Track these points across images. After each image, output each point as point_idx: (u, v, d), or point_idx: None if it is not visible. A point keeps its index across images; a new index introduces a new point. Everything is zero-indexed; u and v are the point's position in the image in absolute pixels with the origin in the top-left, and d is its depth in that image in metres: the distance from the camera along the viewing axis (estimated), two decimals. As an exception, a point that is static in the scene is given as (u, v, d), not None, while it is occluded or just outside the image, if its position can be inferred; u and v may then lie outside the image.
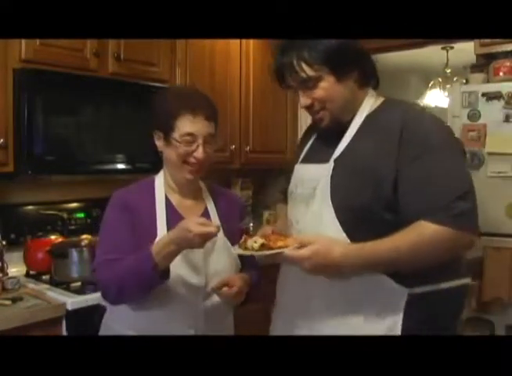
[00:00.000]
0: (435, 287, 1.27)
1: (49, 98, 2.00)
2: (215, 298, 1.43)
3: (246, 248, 1.31)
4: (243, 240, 1.35)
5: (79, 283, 1.98)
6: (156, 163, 1.55)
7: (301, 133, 1.78)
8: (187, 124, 1.40)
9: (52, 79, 2.02)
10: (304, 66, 1.30)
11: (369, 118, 1.35)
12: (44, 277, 2.11)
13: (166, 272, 1.34)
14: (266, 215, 3.27)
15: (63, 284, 1.98)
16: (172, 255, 1.31)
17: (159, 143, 1.47)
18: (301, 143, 1.57)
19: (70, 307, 1.80)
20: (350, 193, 1.26)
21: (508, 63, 2.61)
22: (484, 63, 2.81)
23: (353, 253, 1.21)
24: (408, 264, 1.21)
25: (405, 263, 1.21)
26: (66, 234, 2.29)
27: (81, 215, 2.43)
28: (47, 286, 2.01)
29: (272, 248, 1.28)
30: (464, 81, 2.99)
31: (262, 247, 1.28)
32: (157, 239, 1.37)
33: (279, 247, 1.28)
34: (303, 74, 1.31)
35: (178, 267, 1.38)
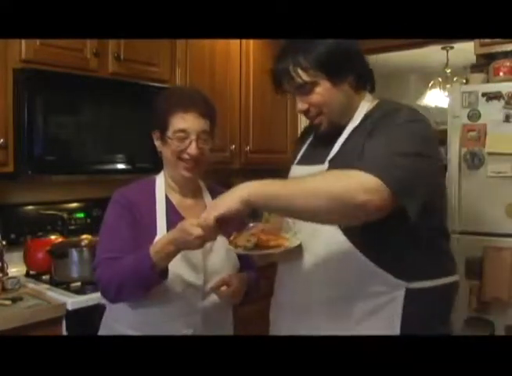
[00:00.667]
0: (431, 282, 1.30)
1: (49, 98, 2.00)
2: (214, 297, 1.44)
3: (237, 246, 1.30)
4: (232, 237, 1.34)
5: (79, 283, 1.98)
6: (156, 163, 1.56)
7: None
8: (180, 121, 1.42)
9: (52, 79, 2.02)
10: (300, 71, 1.32)
11: (365, 120, 1.37)
12: (44, 277, 2.11)
13: (165, 272, 1.34)
14: (266, 215, 3.27)
15: (63, 284, 1.98)
16: (171, 256, 1.32)
17: (157, 143, 1.49)
18: (298, 144, 1.58)
19: (70, 307, 1.80)
20: None
21: (508, 63, 2.61)
22: (484, 63, 2.81)
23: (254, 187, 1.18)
24: (307, 200, 1.13)
25: (304, 197, 1.14)
26: (66, 234, 2.29)
27: (81, 215, 2.43)
28: (47, 286, 2.01)
29: (264, 248, 1.28)
30: (464, 81, 3.00)
31: (255, 246, 1.28)
32: (156, 238, 1.38)
33: (272, 247, 1.28)
34: (299, 80, 1.32)
35: (176, 266, 1.39)
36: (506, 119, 2.48)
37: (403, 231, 1.26)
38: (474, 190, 2.52)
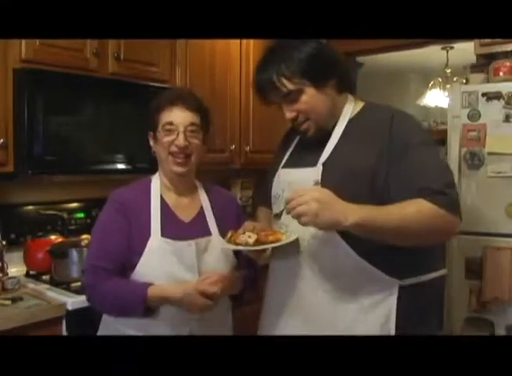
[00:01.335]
0: (421, 278, 1.35)
1: (49, 98, 2.00)
2: None
3: (237, 244, 1.33)
4: (230, 235, 1.37)
5: (79, 283, 1.97)
6: (156, 163, 1.56)
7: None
8: (166, 115, 1.44)
9: (52, 79, 2.02)
10: (284, 81, 1.34)
11: (353, 122, 1.40)
12: (44, 277, 2.11)
13: (152, 310, 1.40)
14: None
15: (63, 284, 1.98)
16: (164, 304, 1.39)
17: (151, 143, 1.51)
18: (282, 148, 1.59)
19: (70, 307, 1.80)
20: (343, 194, 1.26)
21: (508, 63, 2.61)
22: (484, 63, 2.81)
23: (365, 209, 1.22)
24: (408, 236, 1.25)
25: (405, 234, 1.24)
26: (66, 234, 2.29)
27: (81, 215, 2.43)
28: (47, 286, 2.01)
29: (264, 243, 1.31)
30: (464, 81, 2.99)
31: (256, 242, 1.30)
32: (150, 240, 1.41)
33: (272, 242, 1.31)
34: (284, 89, 1.35)
35: (171, 266, 1.40)
36: (506, 119, 2.48)
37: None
38: (474, 190, 2.52)
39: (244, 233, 1.35)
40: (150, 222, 1.44)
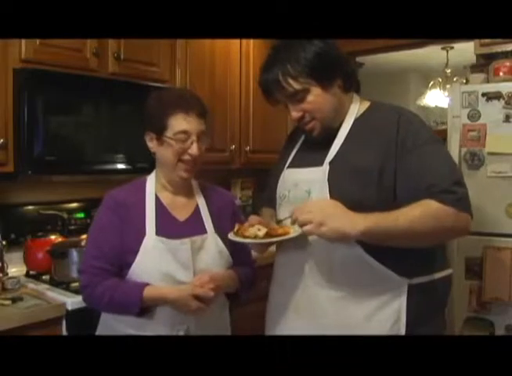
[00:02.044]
0: (429, 277, 1.37)
1: (49, 98, 2.00)
2: None
3: (246, 237, 1.34)
4: (237, 228, 1.39)
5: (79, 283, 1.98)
6: (155, 163, 1.56)
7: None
8: (181, 122, 1.42)
9: (52, 79, 2.01)
10: (290, 80, 1.34)
11: (359, 121, 1.41)
12: (44, 277, 2.11)
13: (146, 310, 1.41)
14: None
15: (63, 284, 1.98)
16: (159, 304, 1.41)
17: (151, 144, 1.49)
18: (286, 148, 1.59)
19: (70, 307, 1.80)
20: (351, 193, 1.28)
21: (508, 63, 2.61)
22: (484, 63, 2.81)
23: (372, 217, 1.22)
24: (418, 238, 1.26)
25: (414, 237, 1.25)
26: (66, 234, 2.29)
27: (81, 215, 2.43)
28: (47, 286, 2.01)
29: (274, 236, 1.32)
30: (464, 81, 2.99)
31: (265, 235, 1.32)
32: (146, 239, 1.42)
33: (280, 235, 1.32)
34: (290, 89, 1.35)
35: (166, 264, 1.41)
36: (506, 119, 2.47)
37: None
38: (474, 190, 2.50)
39: (252, 226, 1.37)
40: (145, 221, 1.45)
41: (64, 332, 1.79)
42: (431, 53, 4.38)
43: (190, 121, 1.43)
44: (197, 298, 1.38)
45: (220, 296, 1.51)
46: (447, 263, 1.46)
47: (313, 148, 1.44)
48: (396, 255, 1.31)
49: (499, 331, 2.45)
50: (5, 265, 2.02)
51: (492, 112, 2.51)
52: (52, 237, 2.19)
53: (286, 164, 1.51)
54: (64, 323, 1.79)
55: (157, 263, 1.42)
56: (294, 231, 1.31)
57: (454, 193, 1.26)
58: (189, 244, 1.45)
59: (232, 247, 1.53)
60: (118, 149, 2.24)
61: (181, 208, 1.52)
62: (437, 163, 1.30)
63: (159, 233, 1.44)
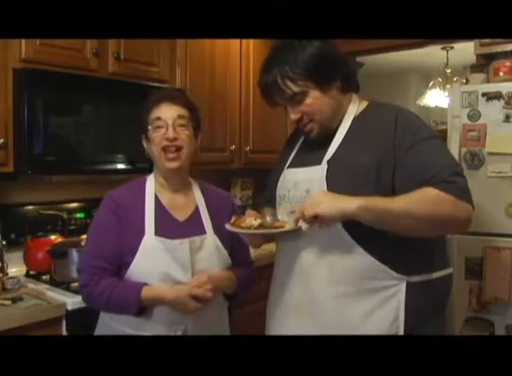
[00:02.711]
0: (428, 276, 1.37)
1: (49, 98, 2.00)
2: None
3: (242, 228, 1.36)
4: (234, 219, 1.40)
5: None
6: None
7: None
8: (154, 112, 1.47)
9: (52, 79, 2.01)
10: (288, 83, 1.35)
11: (357, 120, 1.42)
12: (44, 277, 2.11)
13: (144, 309, 1.42)
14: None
15: (63, 284, 1.98)
16: (159, 304, 1.42)
17: (145, 145, 1.53)
18: (287, 149, 1.61)
19: (70, 307, 1.80)
20: (349, 191, 1.29)
21: (508, 63, 2.61)
22: (484, 63, 2.81)
23: (369, 197, 1.25)
24: (416, 222, 1.25)
25: (412, 220, 1.25)
26: (66, 234, 2.29)
27: (81, 215, 2.43)
28: (47, 286, 2.01)
29: (269, 228, 1.34)
30: (464, 81, 2.99)
31: (260, 226, 1.33)
32: (145, 238, 1.43)
33: (276, 227, 1.34)
34: (289, 91, 1.36)
35: (165, 264, 1.42)
36: (506, 119, 2.47)
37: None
38: (474, 190, 2.50)
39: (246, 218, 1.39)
40: (144, 221, 1.46)
41: (64, 332, 1.79)
42: (431, 53, 4.38)
43: (163, 108, 1.47)
44: (195, 298, 1.38)
45: (218, 296, 1.51)
46: (447, 262, 1.46)
47: (312, 148, 1.45)
48: (395, 253, 1.32)
49: (499, 331, 2.45)
50: (5, 265, 2.02)
51: (492, 112, 2.50)
52: (52, 237, 2.19)
53: (286, 165, 1.53)
54: (64, 323, 1.79)
55: (156, 263, 1.42)
56: (291, 225, 1.33)
57: (454, 183, 1.26)
58: (188, 245, 1.45)
59: (230, 247, 1.53)
60: (118, 149, 2.24)
61: (180, 208, 1.52)
62: (436, 157, 1.31)
63: (158, 233, 1.45)
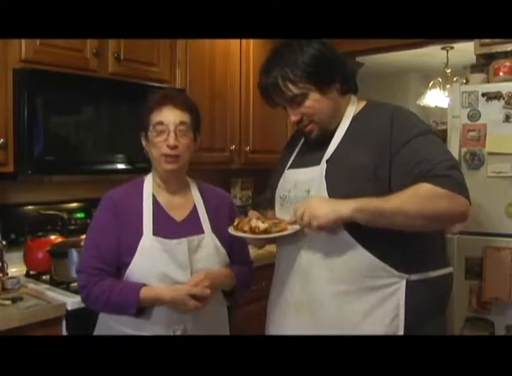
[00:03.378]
0: (428, 274, 1.37)
1: (49, 98, 2.00)
2: None
3: (245, 231, 1.37)
4: (237, 222, 1.41)
5: (79, 283, 1.98)
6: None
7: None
8: (156, 115, 1.46)
9: (52, 79, 2.01)
10: (289, 85, 1.37)
11: (355, 120, 1.43)
12: (44, 277, 2.11)
13: (145, 309, 1.42)
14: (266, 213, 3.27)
15: (63, 284, 1.98)
16: (158, 304, 1.42)
17: (144, 144, 1.52)
18: (287, 150, 1.62)
19: (70, 307, 1.80)
20: (349, 190, 1.31)
21: (508, 63, 2.61)
22: (484, 63, 2.81)
23: (363, 198, 1.27)
24: (412, 218, 1.26)
25: (408, 215, 1.25)
26: (66, 234, 2.29)
27: (81, 215, 2.43)
28: (47, 286, 2.01)
29: (271, 232, 1.34)
30: (464, 81, 2.99)
31: (265, 231, 1.34)
32: (143, 239, 1.43)
33: (279, 231, 1.34)
34: (289, 93, 1.38)
35: (163, 264, 1.42)
36: (506, 119, 2.47)
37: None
38: (474, 190, 2.50)
39: (250, 220, 1.39)
40: (142, 221, 1.46)
41: (64, 332, 1.79)
42: (431, 53, 4.38)
43: (165, 112, 1.46)
44: (194, 297, 1.38)
45: (217, 295, 1.51)
46: (447, 261, 1.46)
47: (312, 149, 1.47)
48: (395, 251, 1.33)
49: (499, 331, 2.45)
50: (5, 265, 2.02)
51: (492, 112, 2.50)
52: (52, 237, 2.19)
53: (287, 166, 1.54)
54: (64, 323, 1.79)
55: (154, 263, 1.42)
56: (292, 228, 1.34)
57: (449, 177, 1.27)
58: (186, 244, 1.45)
59: (229, 246, 1.53)
60: (118, 149, 2.24)
61: (178, 208, 1.53)
62: (431, 151, 1.31)
63: (156, 233, 1.45)
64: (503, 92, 2.48)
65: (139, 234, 1.44)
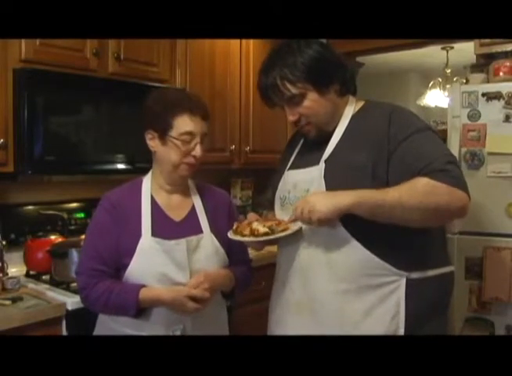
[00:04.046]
0: (428, 273, 1.37)
1: (49, 98, 2.00)
2: None
3: (244, 235, 1.37)
4: (236, 226, 1.41)
5: (79, 283, 1.98)
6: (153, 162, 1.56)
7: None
8: (187, 123, 1.43)
9: (52, 79, 2.02)
10: (287, 85, 1.37)
11: (354, 120, 1.44)
12: (44, 277, 2.11)
13: (143, 310, 1.42)
14: (266, 214, 3.27)
15: (63, 284, 1.98)
16: (157, 305, 1.42)
17: (152, 143, 1.49)
18: (287, 151, 1.62)
19: (70, 307, 1.80)
20: (347, 189, 1.29)
21: (508, 63, 2.61)
22: (484, 63, 2.81)
23: (359, 193, 1.27)
24: (411, 211, 1.26)
25: (407, 209, 1.26)
26: (66, 234, 2.29)
27: (81, 215, 2.43)
28: (47, 286, 2.01)
29: (276, 232, 1.35)
30: (464, 81, 2.99)
31: (265, 234, 1.35)
32: (142, 239, 1.43)
33: (282, 231, 1.35)
34: (288, 93, 1.38)
35: (162, 265, 1.42)
36: (506, 119, 2.47)
37: (400, 225, 1.30)
38: (474, 190, 2.50)
39: (251, 224, 1.39)
40: (141, 222, 1.46)
41: (64, 332, 1.79)
42: (431, 53, 4.39)
43: (196, 122, 1.44)
44: (193, 299, 1.38)
45: (216, 295, 1.51)
46: (448, 260, 1.46)
47: (312, 149, 1.48)
48: (395, 249, 1.33)
49: (499, 331, 2.45)
50: (5, 265, 2.02)
51: (492, 112, 2.50)
52: (52, 237, 2.19)
53: (287, 167, 1.54)
54: (64, 323, 1.79)
55: (153, 264, 1.42)
56: (291, 228, 1.35)
57: (447, 171, 1.27)
58: (185, 245, 1.45)
59: (228, 246, 1.53)
60: (118, 149, 2.24)
61: (176, 209, 1.52)
62: (428, 147, 1.32)
63: (154, 234, 1.45)
64: (503, 92, 2.48)
65: (138, 235, 1.44)
